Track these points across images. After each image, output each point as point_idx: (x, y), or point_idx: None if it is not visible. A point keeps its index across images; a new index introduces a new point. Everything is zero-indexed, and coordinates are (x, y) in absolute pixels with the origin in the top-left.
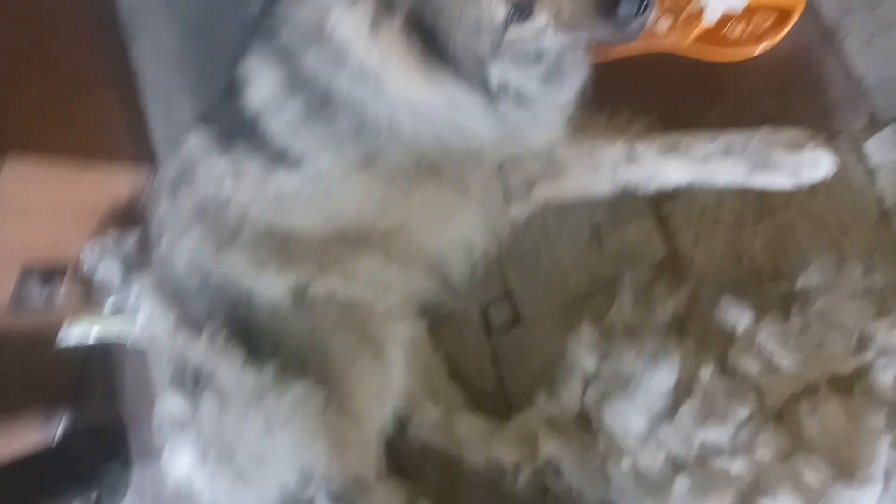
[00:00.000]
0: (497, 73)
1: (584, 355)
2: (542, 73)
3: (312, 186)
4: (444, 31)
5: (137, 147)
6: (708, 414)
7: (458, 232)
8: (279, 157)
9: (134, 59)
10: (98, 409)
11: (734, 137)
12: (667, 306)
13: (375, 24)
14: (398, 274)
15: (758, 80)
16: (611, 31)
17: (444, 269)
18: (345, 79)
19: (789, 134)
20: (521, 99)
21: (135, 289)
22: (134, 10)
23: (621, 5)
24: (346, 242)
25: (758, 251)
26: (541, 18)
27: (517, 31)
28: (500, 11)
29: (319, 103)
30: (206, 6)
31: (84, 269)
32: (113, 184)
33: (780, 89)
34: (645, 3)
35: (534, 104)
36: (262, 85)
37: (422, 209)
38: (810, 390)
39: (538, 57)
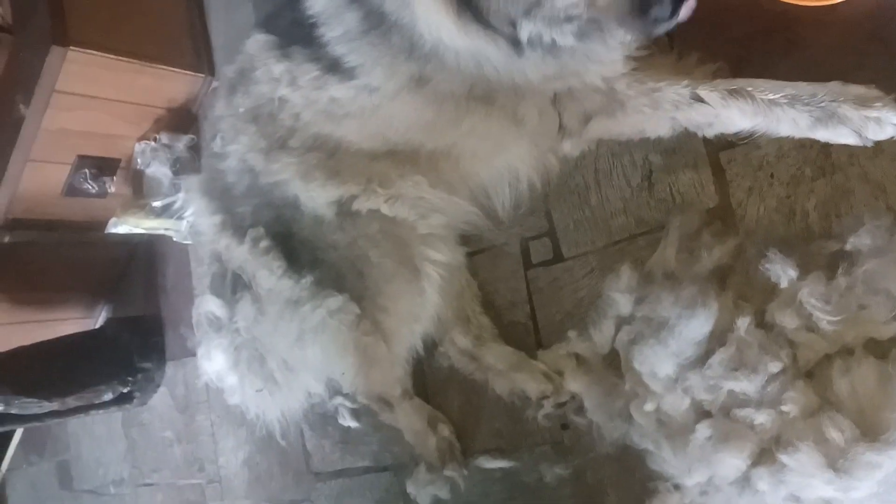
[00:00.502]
0: (528, 30)
1: (620, 297)
2: (575, 30)
3: (364, 99)
4: None
5: (196, 51)
6: (739, 365)
7: (507, 162)
8: (334, 66)
9: None
10: (139, 302)
11: (802, 87)
12: (711, 256)
13: None
14: (442, 198)
15: (833, 35)
16: (641, 27)
17: (489, 198)
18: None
19: (858, 89)
20: (555, 51)
21: (182, 191)
22: None
23: (655, 7)
24: (393, 160)
25: (811, 209)
26: None
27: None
28: None
29: (375, 18)
30: None
31: (136, 167)
32: (170, 85)
33: (855, 46)
34: (677, 6)
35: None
36: None
37: (471, 136)
38: (845, 351)
39: (569, 19)
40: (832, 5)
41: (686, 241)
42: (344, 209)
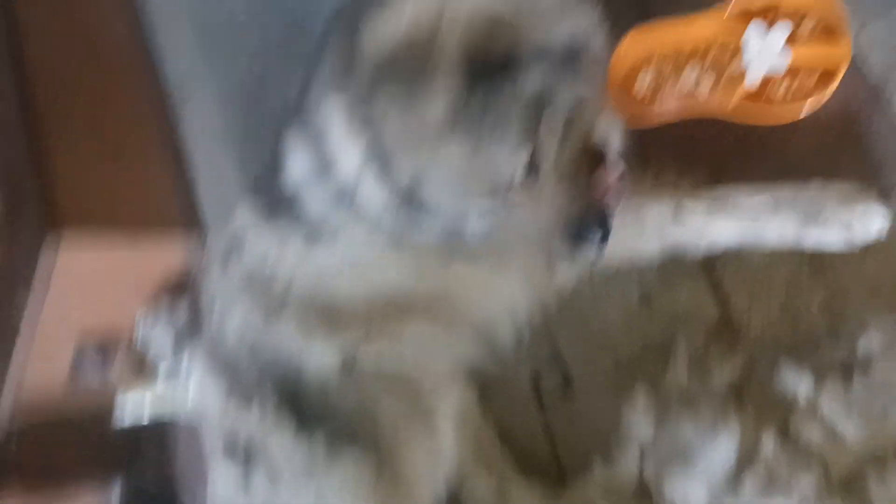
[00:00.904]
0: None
1: (639, 422)
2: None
3: (350, 259)
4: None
5: (187, 216)
6: (771, 485)
7: (502, 299)
8: (316, 231)
9: (182, 128)
10: (152, 479)
11: (783, 192)
12: (723, 371)
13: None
14: (445, 340)
15: (805, 139)
16: (567, 246)
17: (490, 334)
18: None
19: (840, 188)
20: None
21: (186, 358)
22: (182, 81)
23: (586, 241)
24: (391, 309)
25: (815, 313)
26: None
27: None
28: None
29: (346, 192)
30: (253, 76)
31: (138, 339)
32: (164, 254)
33: (829, 148)
34: (606, 238)
35: None
36: (298, 161)
37: (460, 281)
38: (877, 461)
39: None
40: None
41: (696, 359)
42: (348, 363)
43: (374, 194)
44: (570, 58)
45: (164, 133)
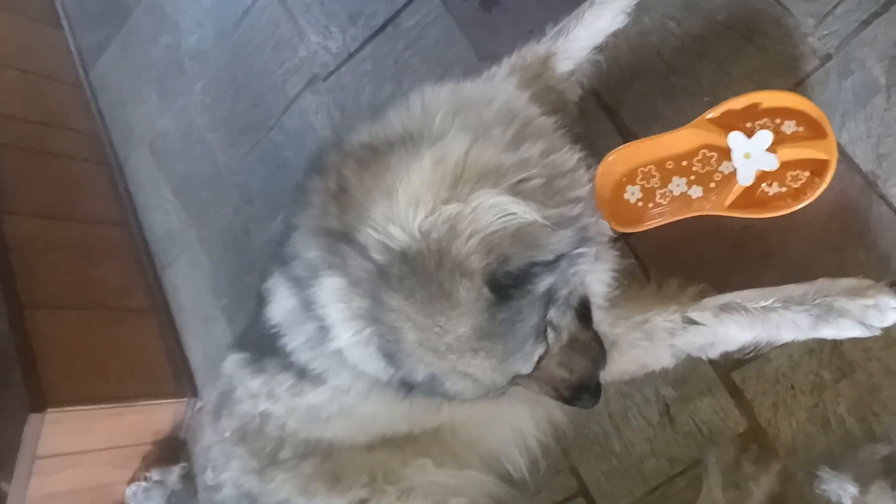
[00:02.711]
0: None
1: None
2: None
3: (339, 401)
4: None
5: (177, 377)
6: None
7: (509, 425)
8: (304, 373)
9: (168, 288)
10: None
11: (792, 289)
12: (760, 487)
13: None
14: (454, 476)
15: (808, 237)
16: (564, 401)
17: (501, 466)
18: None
19: (848, 281)
20: None
21: None
22: (164, 240)
23: (580, 404)
24: (391, 448)
25: (845, 413)
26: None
27: None
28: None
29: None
30: (237, 224)
31: None
32: (155, 417)
33: (832, 243)
34: (597, 398)
35: None
36: (280, 305)
37: (459, 417)
38: None
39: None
40: (791, 212)
41: (728, 475)
42: None
43: (373, 367)
44: (576, 253)
45: (151, 297)
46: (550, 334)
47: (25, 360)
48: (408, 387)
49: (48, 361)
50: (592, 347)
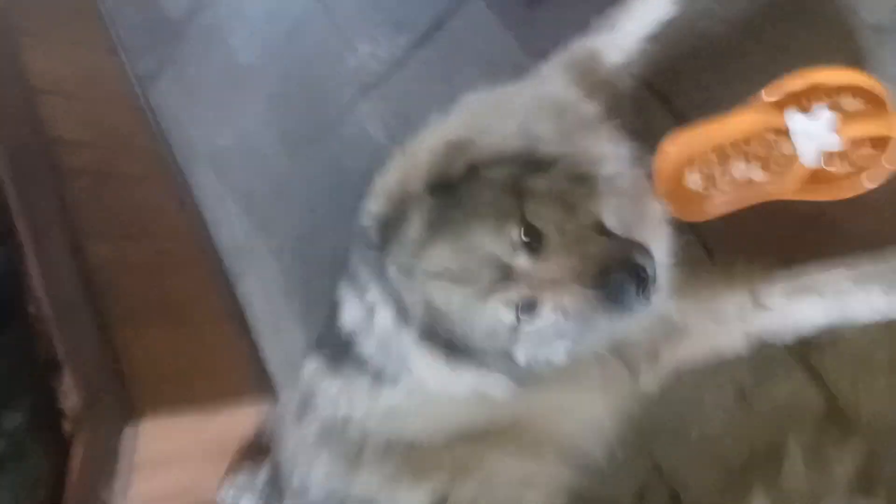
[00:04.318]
0: (522, 354)
1: None
2: (567, 343)
3: (417, 399)
4: (462, 340)
5: (257, 379)
6: None
7: (583, 417)
8: (379, 377)
9: (242, 296)
10: None
11: (864, 266)
12: (844, 465)
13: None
14: (532, 467)
15: (877, 213)
16: (616, 316)
17: (579, 455)
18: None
19: None
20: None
21: None
22: (234, 252)
23: (621, 297)
24: (469, 443)
25: None
26: (547, 312)
27: (529, 327)
28: (507, 317)
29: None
30: (302, 233)
31: None
32: (239, 420)
33: None
34: (644, 289)
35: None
36: (350, 313)
37: (535, 408)
38: None
39: (558, 335)
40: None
41: (811, 456)
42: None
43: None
44: (528, 157)
45: (227, 304)
46: (537, 222)
47: (118, 375)
48: (429, 340)
49: (138, 375)
50: (612, 239)
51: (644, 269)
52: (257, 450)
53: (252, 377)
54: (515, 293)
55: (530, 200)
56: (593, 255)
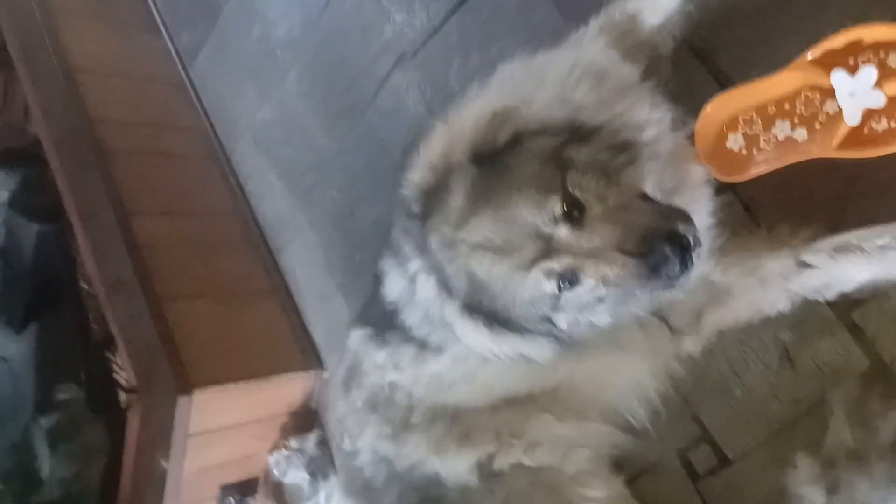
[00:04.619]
0: (563, 320)
1: (809, 491)
2: (609, 307)
3: (461, 367)
4: (503, 309)
5: (303, 351)
6: None
7: (628, 379)
8: (424, 345)
9: (285, 268)
10: None
11: None
12: (889, 423)
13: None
14: (576, 430)
15: None
16: (659, 286)
17: (622, 417)
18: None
19: None
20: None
21: (324, 491)
22: (276, 225)
23: (664, 267)
24: (514, 407)
25: None
26: (588, 282)
27: (570, 296)
28: (549, 287)
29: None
30: (342, 205)
31: (273, 478)
32: (287, 390)
33: None
34: (688, 260)
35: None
36: (393, 285)
37: (577, 373)
38: None
39: (600, 300)
40: None
41: (855, 414)
42: (486, 471)
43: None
44: (572, 130)
45: (271, 278)
46: (579, 193)
47: (170, 349)
48: (472, 310)
49: (189, 348)
50: (654, 208)
51: (687, 239)
52: (305, 418)
53: (298, 348)
54: (557, 264)
55: (572, 171)
56: (635, 225)
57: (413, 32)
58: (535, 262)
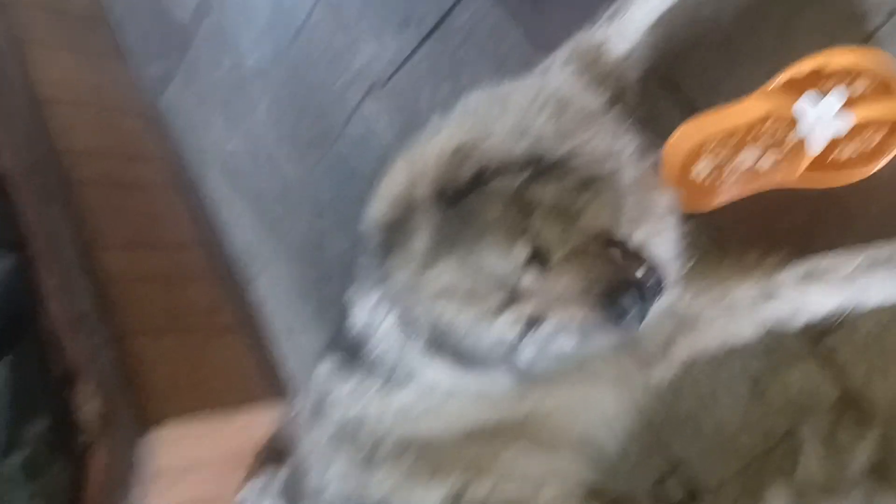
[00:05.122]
0: (527, 356)
1: None
2: (572, 343)
3: (427, 399)
4: (467, 350)
5: (272, 384)
6: None
7: (595, 412)
8: (390, 377)
9: (255, 300)
10: None
11: (876, 250)
12: (859, 453)
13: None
14: (547, 462)
15: (887, 197)
16: (620, 332)
17: (592, 450)
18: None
19: None
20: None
21: None
22: (248, 255)
23: (626, 317)
24: (484, 439)
25: None
26: (551, 325)
27: (533, 339)
28: (513, 331)
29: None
30: (312, 236)
31: None
32: (256, 425)
33: None
34: (647, 308)
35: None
36: (360, 313)
37: (546, 404)
38: None
39: (563, 338)
40: (866, 176)
41: (826, 445)
42: (455, 501)
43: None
44: (535, 164)
45: (240, 310)
46: (548, 240)
47: (133, 384)
48: (435, 349)
49: (154, 383)
50: (617, 253)
51: (649, 289)
52: (275, 454)
53: (267, 381)
54: (521, 312)
55: (535, 213)
56: (598, 274)
57: (383, 62)
58: (501, 309)
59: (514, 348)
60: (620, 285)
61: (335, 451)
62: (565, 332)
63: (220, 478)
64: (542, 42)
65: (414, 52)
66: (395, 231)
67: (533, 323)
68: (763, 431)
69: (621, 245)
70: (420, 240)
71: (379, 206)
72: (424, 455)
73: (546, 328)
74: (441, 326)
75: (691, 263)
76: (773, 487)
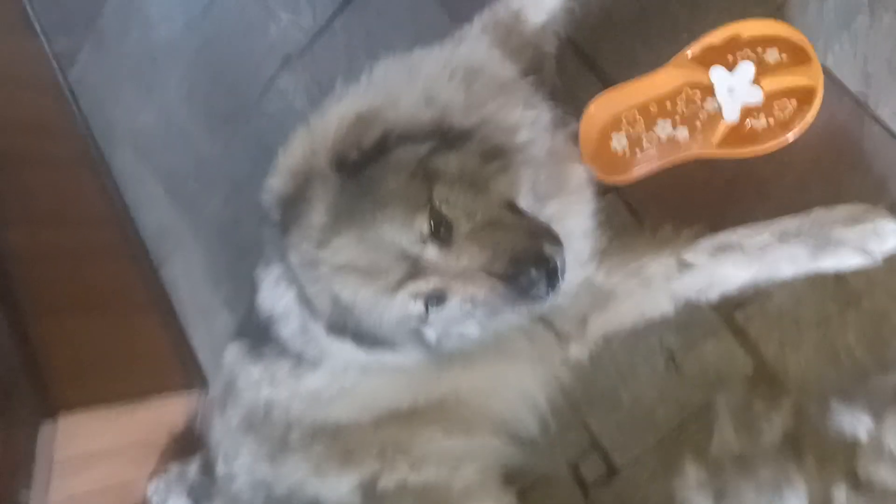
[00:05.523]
0: (433, 333)
1: (696, 497)
2: (479, 320)
3: (340, 381)
4: (370, 328)
5: (185, 370)
6: None
7: (513, 389)
8: (300, 359)
9: (167, 282)
10: None
11: (787, 222)
12: (773, 425)
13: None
14: (464, 443)
15: (801, 167)
16: (526, 305)
17: (511, 428)
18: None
19: (845, 209)
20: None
21: None
22: (158, 236)
23: (531, 290)
24: (398, 422)
25: (853, 344)
26: (455, 301)
27: (438, 313)
28: (416, 308)
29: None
30: (227, 214)
31: None
32: (168, 413)
33: (826, 171)
34: (554, 281)
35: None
36: (266, 292)
37: (462, 383)
38: None
39: (469, 314)
40: (781, 145)
41: (740, 417)
42: (370, 491)
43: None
44: (441, 133)
45: (151, 293)
46: (446, 210)
47: (32, 368)
48: (337, 330)
49: (55, 367)
50: (523, 226)
51: (553, 260)
52: (188, 443)
53: (179, 367)
54: (424, 285)
55: (439, 185)
56: (503, 246)
57: (299, 32)
58: (401, 284)
59: (419, 324)
60: (526, 257)
61: (244, 437)
62: (471, 307)
63: (129, 468)
64: (458, 14)
65: (330, 22)
66: (294, 204)
67: (437, 298)
68: (679, 404)
69: (528, 217)
70: (317, 213)
71: (277, 179)
72: (337, 440)
73: (451, 303)
74: (342, 303)
75: (607, 236)
76: (689, 460)
